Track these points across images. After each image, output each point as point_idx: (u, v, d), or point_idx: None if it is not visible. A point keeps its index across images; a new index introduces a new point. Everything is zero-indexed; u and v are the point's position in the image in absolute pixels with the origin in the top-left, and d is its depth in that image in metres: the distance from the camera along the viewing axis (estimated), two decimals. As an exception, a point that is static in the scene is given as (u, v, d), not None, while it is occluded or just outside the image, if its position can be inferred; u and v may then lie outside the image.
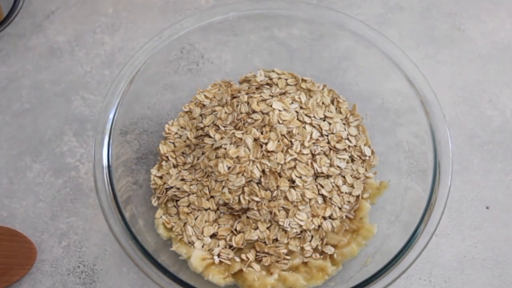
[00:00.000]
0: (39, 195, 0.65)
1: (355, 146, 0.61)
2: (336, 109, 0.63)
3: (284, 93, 0.61)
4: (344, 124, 0.62)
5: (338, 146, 0.59)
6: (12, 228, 0.63)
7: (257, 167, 0.56)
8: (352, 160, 0.61)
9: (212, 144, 0.58)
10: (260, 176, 0.56)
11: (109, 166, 0.55)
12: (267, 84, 0.62)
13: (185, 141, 0.61)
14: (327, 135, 0.60)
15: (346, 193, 0.59)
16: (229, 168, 0.56)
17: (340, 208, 0.59)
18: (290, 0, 0.62)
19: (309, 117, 0.59)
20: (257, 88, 0.62)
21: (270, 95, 0.60)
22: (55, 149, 0.67)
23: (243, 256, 0.57)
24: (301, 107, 0.60)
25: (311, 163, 0.57)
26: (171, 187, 0.59)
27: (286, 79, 0.62)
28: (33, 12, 0.75)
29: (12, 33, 0.73)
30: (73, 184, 0.66)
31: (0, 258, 0.60)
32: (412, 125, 0.60)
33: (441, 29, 0.76)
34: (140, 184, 0.61)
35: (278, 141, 0.56)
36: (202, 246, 0.57)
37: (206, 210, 0.58)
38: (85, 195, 0.65)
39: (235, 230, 0.58)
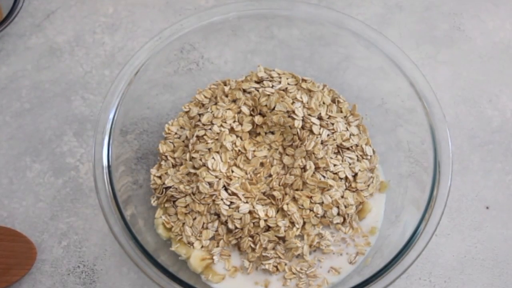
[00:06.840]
0: (39, 195, 0.65)
1: (357, 145, 0.61)
2: (336, 109, 0.63)
3: (285, 90, 0.61)
4: (345, 123, 0.62)
5: (345, 144, 0.59)
6: (12, 228, 0.63)
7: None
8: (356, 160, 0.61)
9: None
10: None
11: (109, 166, 0.55)
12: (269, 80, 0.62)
13: (183, 141, 0.61)
14: (332, 133, 0.60)
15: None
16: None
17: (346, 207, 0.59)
18: (290, 0, 0.62)
19: (313, 116, 0.59)
20: (257, 82, 0.62)
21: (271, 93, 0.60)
22: (55, 149, 0.67)
23: (243, 256, 0.57)
24: (304, 107, 0.60)
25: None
26: (169, 187, 0.59)
27: (287, 79, 0.62)
28: (33, 12, 0.75)
29: (12, 33, 0.73)
30: (73, 184, 0.66)
31: (0, 258, 0.60)
32: (412, 125, 0.60)
33: (441, 29, 0.76)
34: (140, 184, 0.61)
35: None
36: (202, 247, 0.57)
37: (200, 213, 0.57)
38: (85, 195, 0.65)
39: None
